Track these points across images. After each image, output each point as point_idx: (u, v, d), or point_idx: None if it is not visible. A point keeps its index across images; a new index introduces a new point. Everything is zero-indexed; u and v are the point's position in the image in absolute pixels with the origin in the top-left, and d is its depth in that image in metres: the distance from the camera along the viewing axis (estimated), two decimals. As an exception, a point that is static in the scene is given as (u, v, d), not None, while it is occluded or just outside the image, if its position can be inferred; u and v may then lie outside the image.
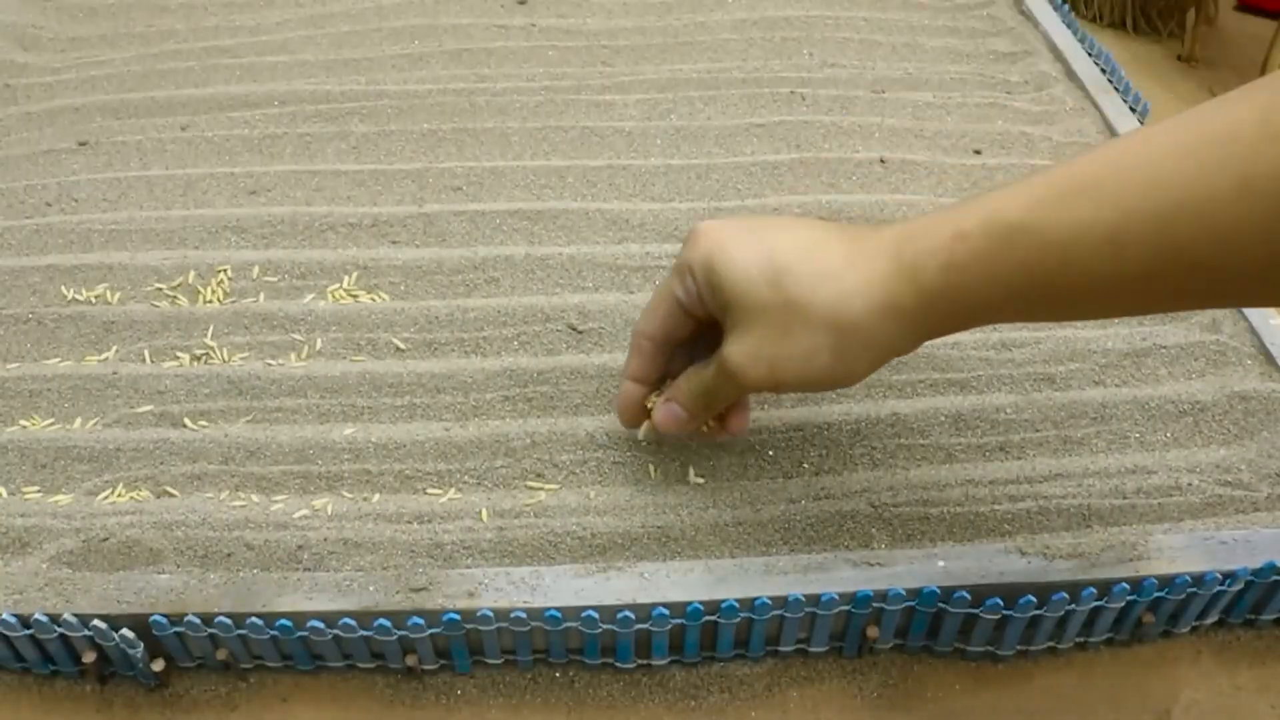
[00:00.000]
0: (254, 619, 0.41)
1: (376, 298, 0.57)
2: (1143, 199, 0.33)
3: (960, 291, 0.37)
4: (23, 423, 0.51)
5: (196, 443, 0.50)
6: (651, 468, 0.49)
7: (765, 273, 0.40)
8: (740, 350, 0.41)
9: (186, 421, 0.51)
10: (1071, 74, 0.78)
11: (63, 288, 0.57)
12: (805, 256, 0.40)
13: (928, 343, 0.55)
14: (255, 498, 0.48)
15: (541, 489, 0.48)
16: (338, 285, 0.57)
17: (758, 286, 0.40)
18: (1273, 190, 0.31)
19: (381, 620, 0.41)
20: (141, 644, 0.42)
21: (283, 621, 0.41)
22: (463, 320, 0.55)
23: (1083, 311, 0.39)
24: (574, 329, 0.55)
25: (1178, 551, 0.44)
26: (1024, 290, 0.36)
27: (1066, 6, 0.86)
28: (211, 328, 0.55)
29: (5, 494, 0.48)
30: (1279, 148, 0.31)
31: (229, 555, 0.45)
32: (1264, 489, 0.48)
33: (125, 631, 0.41)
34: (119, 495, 0.48)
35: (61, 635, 0.42)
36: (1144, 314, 0.40)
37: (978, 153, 0.69)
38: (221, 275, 0.58)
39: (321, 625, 0.41)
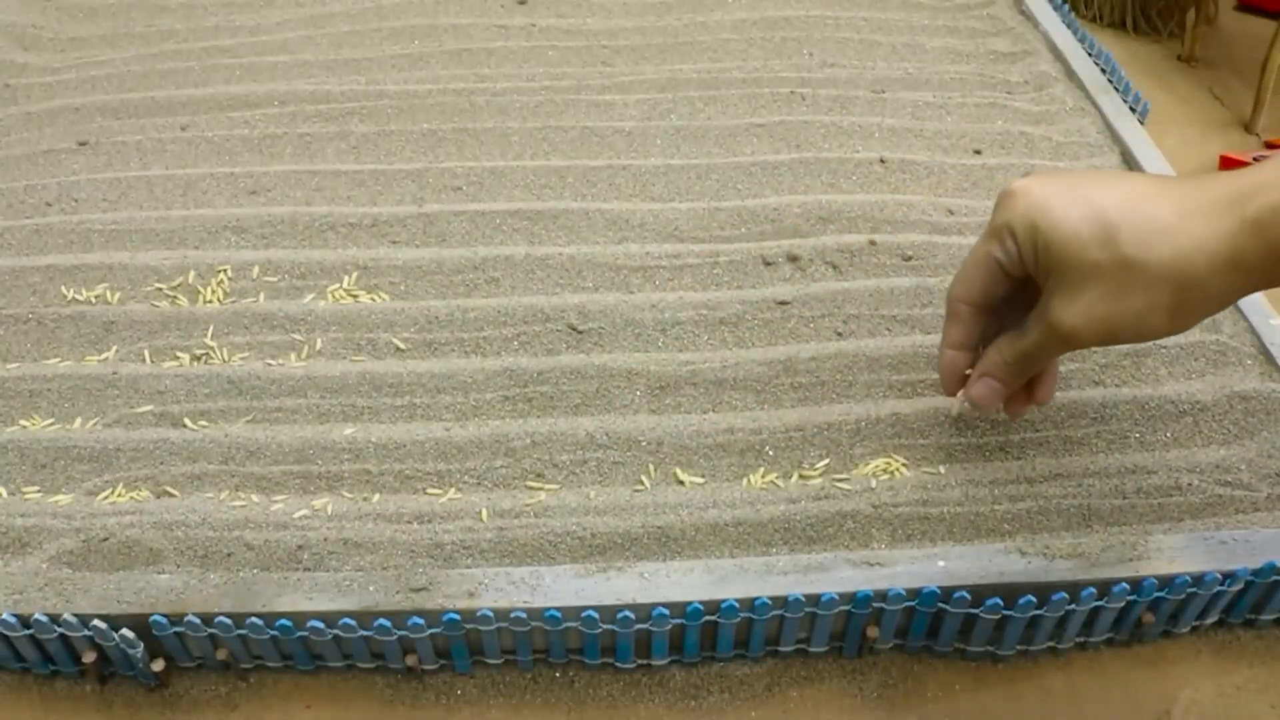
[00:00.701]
0: (254, 619, 0.41)
1: (376, 298, 0.57)
2: None
3: None
4: (23, 423, 0.51)
5: (196, 443, 0.50)
6: (651, 467, 0.49)
7: (1095, 232, 0.39)
8: (1074, 311, 0.40)
9: (186, 421, 0.51)
10: (1071, 74, 0.78)
11: (63, 288, 0.57)
12: (1136, 213, 0.39)
13: (927, 342, 0.55)
14: (255, 498, 0.48)
15: (541, 489, 0.48)
16: (338, 285, 0.57)
17: (1089, 247, 0.39)
18: None
19: (381, 620, 0.41)
20: (141, 644, 0.42)
21: (283, 621, 0.41)
22: (463, 320, 0.55)
23: None
24: (574, 329, 0.55)
25: (1178, 551, 0.44)
26: None
27: (1066, 6, 0.86)
28: (211, 328, 0.55)
29: (5, 494, 0.48)
30: None
31: (229, 555, 0.45)
32: (1264, 489, 0.48)
33: (125, 631, 0.41)
34: (119, 495, 0.48)
35: (61, 635, 0.42)
36: None
37: (978, 153, 0.69)
38: (221, 275, 0.58)
39: (321, 625, 0.41)
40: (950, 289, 0.46)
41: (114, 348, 0.55)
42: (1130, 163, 0.68)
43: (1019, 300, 0.45)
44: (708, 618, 0.42)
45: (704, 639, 0.44)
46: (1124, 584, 0.42)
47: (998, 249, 0.43)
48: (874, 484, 0.48)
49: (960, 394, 0.47)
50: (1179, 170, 0.68)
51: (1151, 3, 0.93)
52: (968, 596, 0.42)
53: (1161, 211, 0.39)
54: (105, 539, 0.45)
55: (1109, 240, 0.39)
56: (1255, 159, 0.72)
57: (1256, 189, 0.38)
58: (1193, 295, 0.39)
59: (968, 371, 0.46)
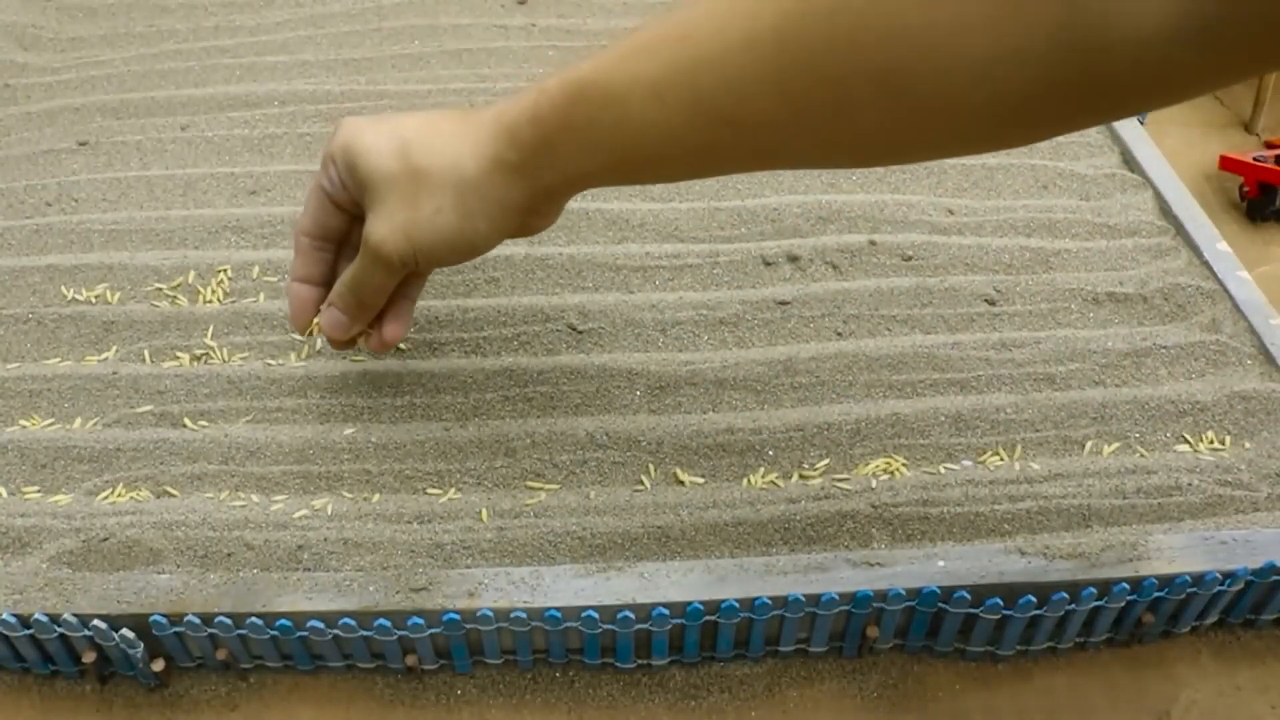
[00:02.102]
0: (254, 619, 0.41)
1: (376, 298, 0.57)
2: (677, 53, 0.37)
3: (548, 144, 0.41)
4: (23, 423, 0.51)
5: (196, 443, 0.50)
6: (651, 467, 0.49)
7: (393, 147, 0.43)
8: (377, 224, 0.44)
9: (186, 421, 0.51)
10: (1071, 74, 0.78)
11: (63, 288, 0.57)
12: (426, 131, 0.44)
13: (927, 342, 0.55)
14: (255, 498, 0.48)
15: (541, 489, 0.48)
16: (338, 285, 0.58)
17: (387, 160, 0.43)
18: (768, 45, 0.35)
19: (381, 620, 0.41)
20: (141, 644, 0.42)
21: (283, 621, 0.41)
22: (463, 320, 0.55)
23: (657, 168, 0.42)
24: (574, 329, 0.55)
25: (1178, 551, 0.44)
26: (598, 141, 0.40)
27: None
28: (211, 328, 0.55)
29: (5, 494, 0.48)
30: (775, 6, 0.35)
31: (229, 555, 0.45)
32: (1264, 489, 0.48)
33: (125, 631, 0.41)
34: (119, 495, 0.48)
35: (61, 635, 0.42)
36: (707, 175, 0.44)
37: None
38: (221, 275, 0.58)
39: (321, 625, 0.41)
40: (297, 225, 0.48)
41: (114, 348, 0.55)
42: (1130, 162, 0.68)
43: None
44: (708, 618, 0.42)
45: (704, 639, 0.44)
46: (1124, 584, 0.42)
47: (324, 178, 0.46)
48: (874, 484, 0.48)
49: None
50: (1180, 171, 0.68)
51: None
52: (968, 596, 0.42)
53: (448, 126, 0.44)
54: (105, 539, 0.45)
55: (403, 153, 0.43)
56: (1255, 159, 0.72)
57: (513, 99, 0.43)
58: (470, 196, 0.43)
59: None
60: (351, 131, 0.45)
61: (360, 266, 0.45)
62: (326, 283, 0.49)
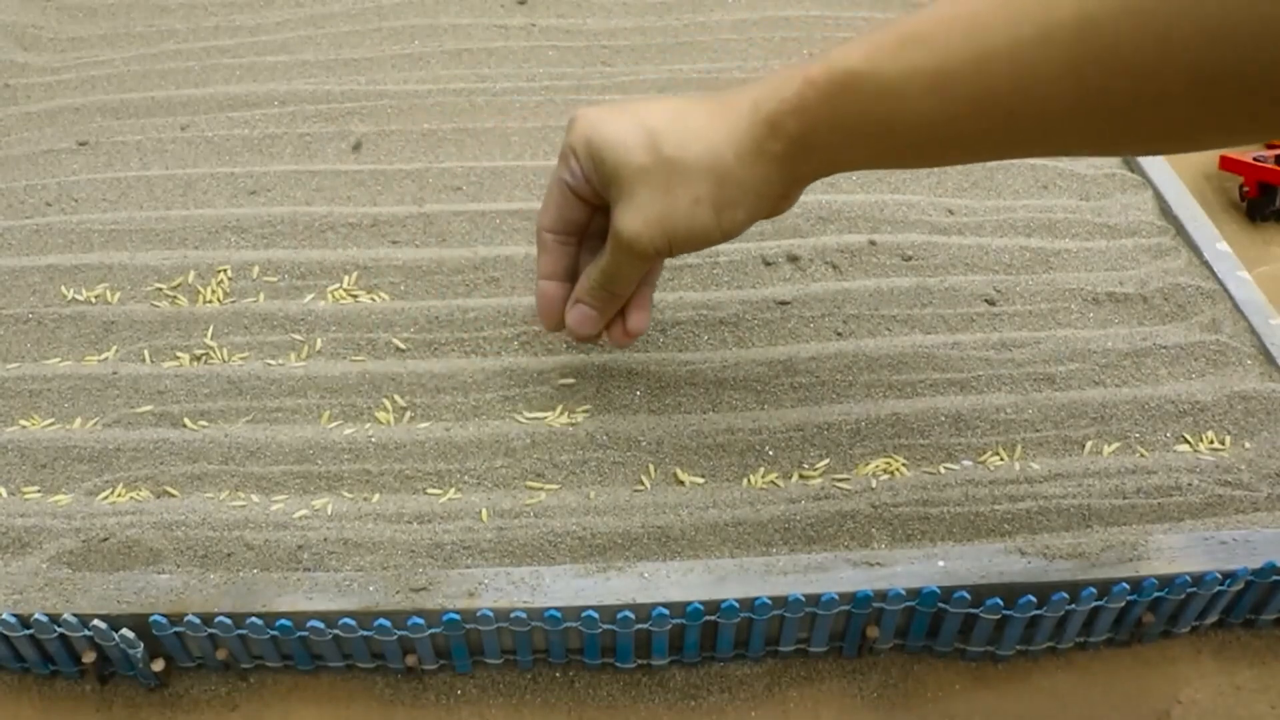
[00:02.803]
0: (254, 619, 0.41)
1: (376, 298, 0.57)
2: (962, 45, 0.37)
3: (814, 135, 0.41)
4: (23, 423, 0.51)
5: (196, 443, 0.50)
6: (651, 467, 0.49)
7: (640, 139, 0.43)
8: (629, 217, 0.43)
9: (186, 421, 0.51)
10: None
11: (63, 288, 0.57)
12: (674, 119, 0.43)
13: (928, 341, 0.55)
14: (255, 498, 0.48)
15: (541, 489, 0.48)
16: (338, 285, 0.57)
17: (635, 153, 0.42)
18: (1066, 38, 0.34)
19: (381, 620, 0.41)
20: (141, 644, 0.42)
21: (283, 621, 0.41)
22: (463, 320, 0.55)
23: (924, 156, 0.42)
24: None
25: (1178, 551, 0.44)
26: (867, 132, 0.40)
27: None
28: (211, 328, 0.55)
29: (5, 494, 0.48)
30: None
31: (229, 555, 0.45)
32: (1264, 489, 0.48)
33: (125, 631, 0.41)
34: (119, 495, 0.48)
35: (61, 635, 0.42)
36: (977, 160, 0.43)
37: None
38: (221, 275, 0.58)
39: (321, 625, 0.41)
40: (538, 221, 0.48)
41: (114, 348, 0.55)
42: (1130, 162, 0.68)
43: (604, 232, 0.47)
44: (708, 618, 0.42)
45: (704, 639, 0.44)
46: (1124, 584, 0.42)
47: (565, 171, 0.46)
48: (874, 484, 0.48)
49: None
50: (1180, 171, 0.68)
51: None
52: (967, 596, 0.42)
53: (697, 116, 0.43)
54: (105, 539, 0.45)
55: (653, 144, 0.42)
56: (1255, 159, 0.72)
57: (771, 87, 0.42)
58: (729, 186, 0.42)
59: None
60: (592, 124, 0.44)
61: (611, 260, 0.45)
62: (571, 277, 0.48)
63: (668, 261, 0.59)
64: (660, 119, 0.43)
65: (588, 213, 0.47)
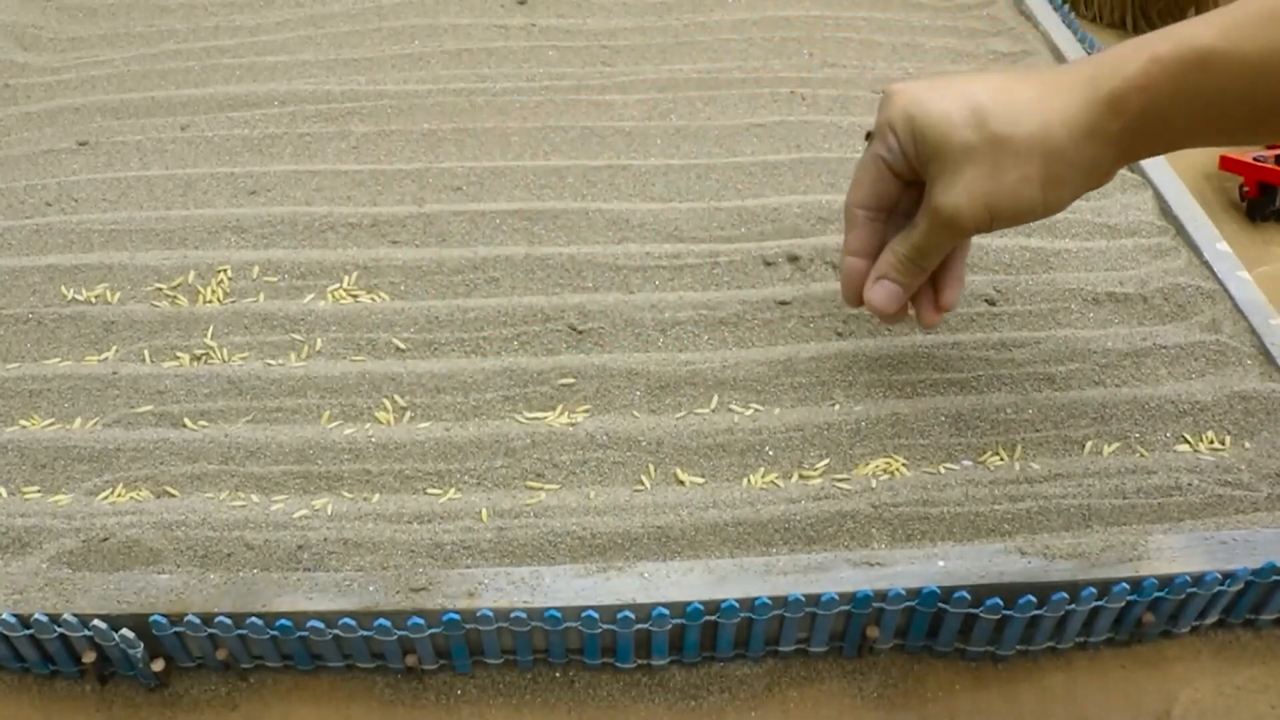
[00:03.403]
0: (254, 619, 0.41)
1: (376, 298, 0.57)
2: None
3: (1157, 114, 0.40)
4: (23, 423, 0.51)
5: (196, 443, 0.50)
6: (651, 467, 0.49)
7: (965, 116, 0.42)
8: (955, 192, 0.42)
9: (186, 421, 0.51)
10: (1071, 74, 0.78)
11: (63, 288, 0.57)
12: (1002, 94, 0.42)
13: (928, 341, 0.55)
14: (255, 498, 0.48)
15: (541, 489, 0.48)
16: (338, 285, 0.57)
17: (961, 130, 0.42)
18: None
19: (381, 620, 0.41)
20: (141, 644, 0.42)
21: (283, 621, 0.41)
22: (463, 320, 0.55)
23: (1273, 131, 0.41)
24: (574, 329, 0.55)
25: (1178, 551, 0.44)
26: (1216, 110, 0.39)
27: (1066, 7, 0.86)
28: (211, 328, 0.55)
29: (5, 494, 0.48)
30: None
31: (229, 555, 0.45)
32: (1264, 489, 0.48)
33: (125, 631, 0.41)
34: (119, 495, 0.48)
35: (61, 635, 0.42)
36: None
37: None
38: (221, 275, 0.58)
39: (321, 625, 0.41)
40: (847, 197, 0.48)
41: (114, 348, 0.55)
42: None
43: (911, 208, 0.46)
44: (708, 618, 0.42)
45: (704, 639, 0.44)
46: (1124, 584, 0.42)
47: (881, 147, 0.45)
48: (874, 484, 0.48)
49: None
50: (1180, 171, 0.67)
51: (1152, 3, 0.93)
52: (968, 596, 0.42)
53: (1025, 92, 0.42)
54: (105, 539, 0.45)
55: (979, 121, 0.41)
56: (1255, 159, 0.72)
57: (1109, 64, 0.41)
58: (1060, 165, 0.42)
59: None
60: (912, 99, 0.43)
61: (925, 234, 0.44)
62: (875, 255, 0.48)
63: (667, 262, 0.59)
64: (987, 94, 0.42)
65: (900, 189, 0.46)
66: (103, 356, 0.54)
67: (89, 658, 0.42)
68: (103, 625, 0.41)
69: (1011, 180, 0.42)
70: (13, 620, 0.41)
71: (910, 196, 0.47)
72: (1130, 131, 0.41)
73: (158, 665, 0.43)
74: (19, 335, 0.55)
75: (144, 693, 0.44)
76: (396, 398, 0.52)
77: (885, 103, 0.45)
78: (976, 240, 0.61)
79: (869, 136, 0.46)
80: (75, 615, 0.41)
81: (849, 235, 0.48)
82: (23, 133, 0.71)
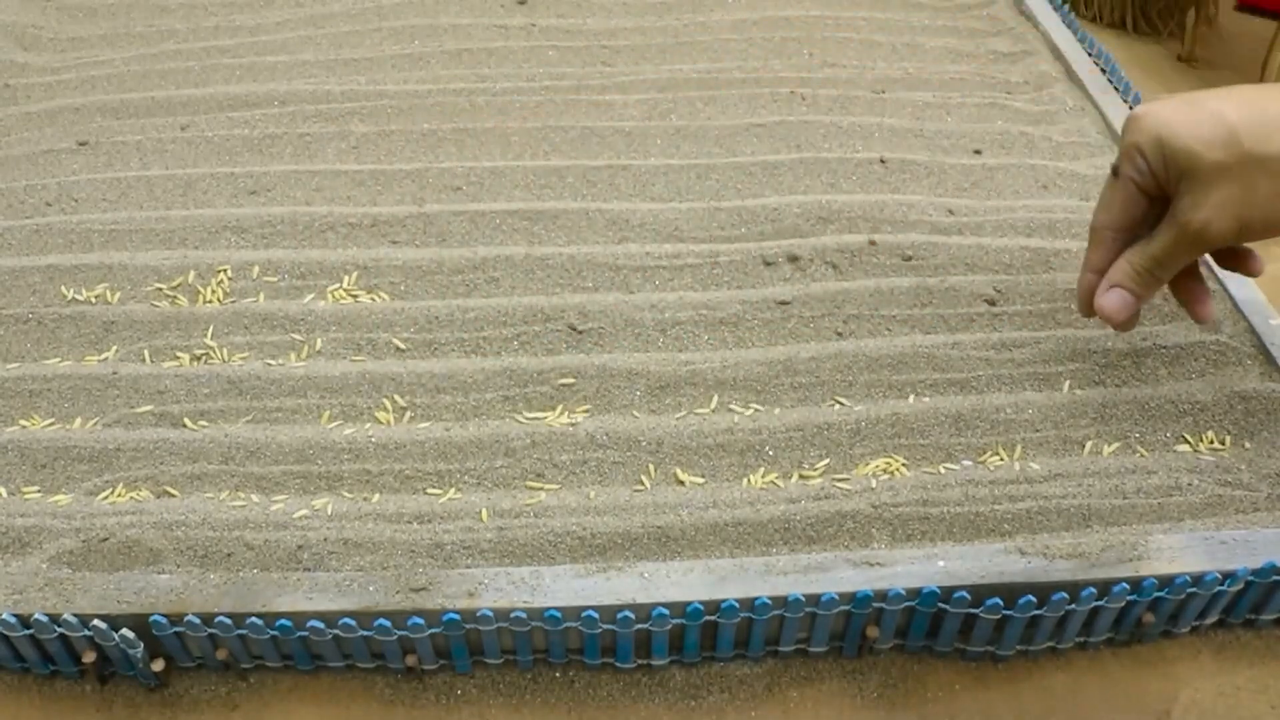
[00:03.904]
0: (254, 619, 0.41)
1: (376, 298, 0.57)
2: None
3: None
4: (23, 423, 0.51)
5: (196, 443, 0.50)
6: (651, 467, 0.49)
7: (1217, 135, 0.43)
8: (1204, 209, 0.44)
9: (186, 421, 0.51)
10: (1071, 74, 0.78)
11: (63, 288, 0.57)
12: (1252, 112, 0.43)
13: (927, 342, 0.54)
14: (255, 498, 0.48)
15: (541, 489, 0.48)
16: (338, 285, 0.57)
17: (1213, 150, 0.43)
18: None
19: (381, 620, 0.41)
20: (141, 644, 0.42)
21: (282, 621, 0.41)
22: (463, 320, 0.55)
23: None
24: (574, 329, 0.55)
25: (1177, 551, 0.44)
26: None
27: (1066, 7, 0.86)
28: (211, 328, 0.55)
29: (5, 494, 0.48)
30: None
31: (229, 555, 0.45)
32: (1264, 489, 0.48)
33: (125, 631, 0.41)
34: (119, 495, 0.48)
35: (62, 635, 0.42)
36: None
37: (978, 152, 0.69)
38: (221, 275, 0.58)
39: (321, 625, 0.41)
40: (1094, 217, 0.49)
41: (114, 348, 0.55)
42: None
43: (1148, 228, 0.48)
44: (708, 618, 0.42)
45: (704, 639, 0.44)
46: (1124, 584, 0.42)
47: (1131, 169, 0.46)
48: (874, 484, 0.48)
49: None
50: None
51: (1151, 3, 0.93)
52: (968, 596, 0.42)
53: (1276, 107, 0.43)
54: (105, 539, 0.45)
55: (1231, 140, 0.43)
56: None
57: None
58: None
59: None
60: (1161, 121, 0.45)
61: (1167, 246, 0.46)
62: (1107, 269, 0.49)
63: (667, 262, 0.59)
64: (1238, 111, 0.43)
65: (1147, 206, 0.48)
66: (103, 357, 0.54)
67: (89, 658, 0.42)
68: (103, 625, 0.41)
69: (1264, 194, 0.43)
70: (13, 620, 0.41)
71: (1153, 213, 0.48)
72: None
73: (158, 665, 0.43)
74: (19, 335, 0.55)
75: (144, 693, 0.44)
76: (396, 398, 0.52)
77: (1131, 126, 0.46)
78: (977, 240, 0.61)
79: (1115, 171, 0.48)
80: (75, 615, 0.41)
81: (1092, 253, 0.50)
82: (23, 132, 0.71)
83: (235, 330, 0.55)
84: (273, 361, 0.54)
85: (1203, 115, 0.44)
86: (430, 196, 0.64)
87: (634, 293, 0.57)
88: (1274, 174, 0.43)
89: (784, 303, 0.56)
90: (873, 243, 0.60)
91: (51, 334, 0.55)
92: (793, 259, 0.59)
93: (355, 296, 0.57)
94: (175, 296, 0.57)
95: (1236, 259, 0.50)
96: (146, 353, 0.54)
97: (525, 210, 0.62)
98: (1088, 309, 0.51)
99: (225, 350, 0.54)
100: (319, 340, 0.55)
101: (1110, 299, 0.49)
